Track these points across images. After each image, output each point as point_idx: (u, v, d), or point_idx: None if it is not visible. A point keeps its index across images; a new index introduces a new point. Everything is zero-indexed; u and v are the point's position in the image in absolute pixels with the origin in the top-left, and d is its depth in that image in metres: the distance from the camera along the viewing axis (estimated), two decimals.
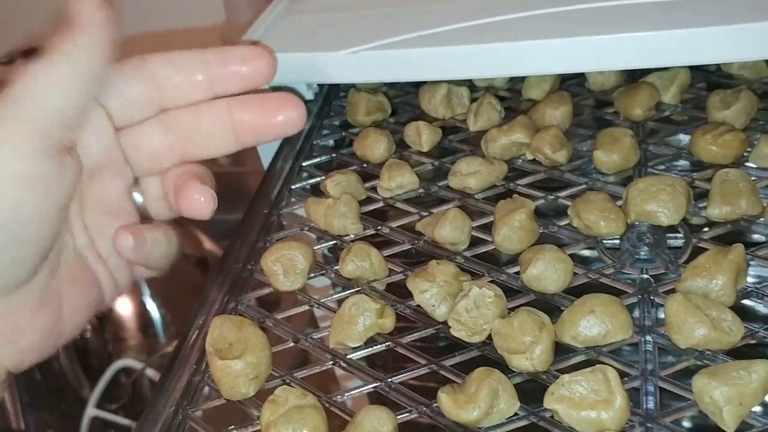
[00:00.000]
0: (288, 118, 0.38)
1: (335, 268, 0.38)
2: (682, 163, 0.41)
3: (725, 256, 0.33)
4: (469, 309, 0.34)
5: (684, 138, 0.42)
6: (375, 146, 0.44)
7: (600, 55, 0.39)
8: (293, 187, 0.45)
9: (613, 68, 0.44)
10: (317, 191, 0.44)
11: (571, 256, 0.36)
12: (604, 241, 0.37)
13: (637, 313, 0.33)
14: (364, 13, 0.48)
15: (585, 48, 0.39)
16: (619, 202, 0.38)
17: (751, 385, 0.29)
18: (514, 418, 0.31)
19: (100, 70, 0.32)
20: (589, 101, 0.47)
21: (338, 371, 0.35)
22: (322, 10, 0.50)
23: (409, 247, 0.39)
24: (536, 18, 0.42)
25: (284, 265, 0.38)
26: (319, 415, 0.31)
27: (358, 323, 0.35)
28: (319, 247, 0.41)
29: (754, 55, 0.39)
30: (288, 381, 0.34)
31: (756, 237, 0.36)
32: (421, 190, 0.42)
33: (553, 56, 0.40)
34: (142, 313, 0.96)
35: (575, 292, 0.35)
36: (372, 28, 0.45)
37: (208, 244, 1.04)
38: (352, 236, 0.40)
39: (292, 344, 0.36)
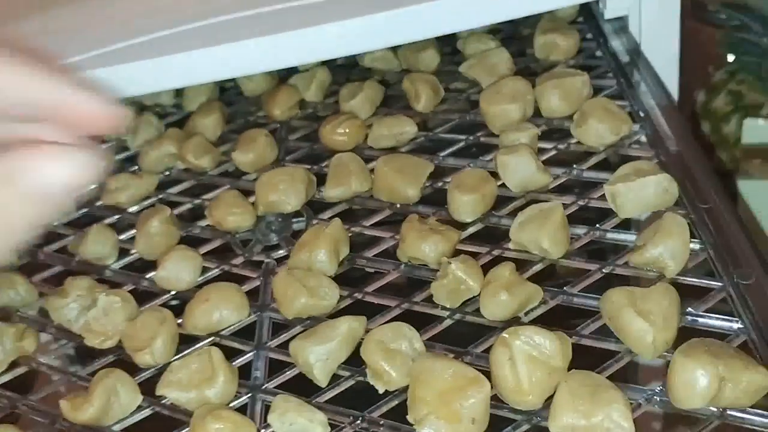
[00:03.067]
0: None
1: None
2: (318, 154, 0.45)
3: (323, 230, 0.36)
4: (98, 317, 0.35)
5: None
6: None
7: (235, 61, 0.42)
8: None
9: (245, 73, 0.47)
10: None
11: (211, 251, 0.39)
12: (238, 235, 0.40)
13: (260, 294, 0.37)
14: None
15: (224, 55, 0.41)
16: (252, 198, 0.41)
17: (336, 339, 0.32)
18: (138, 410, 0.33)
19: None
20: (246, 107, 0.50)
21: None
22: None
23: (63, 268, 0.40)
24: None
25: None
26: None
27: None
28: None
29: (359, 47, 0.43)
30: None
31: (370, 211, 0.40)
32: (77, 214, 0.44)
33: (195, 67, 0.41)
34: None
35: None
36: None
37: None
38: None
39: None
